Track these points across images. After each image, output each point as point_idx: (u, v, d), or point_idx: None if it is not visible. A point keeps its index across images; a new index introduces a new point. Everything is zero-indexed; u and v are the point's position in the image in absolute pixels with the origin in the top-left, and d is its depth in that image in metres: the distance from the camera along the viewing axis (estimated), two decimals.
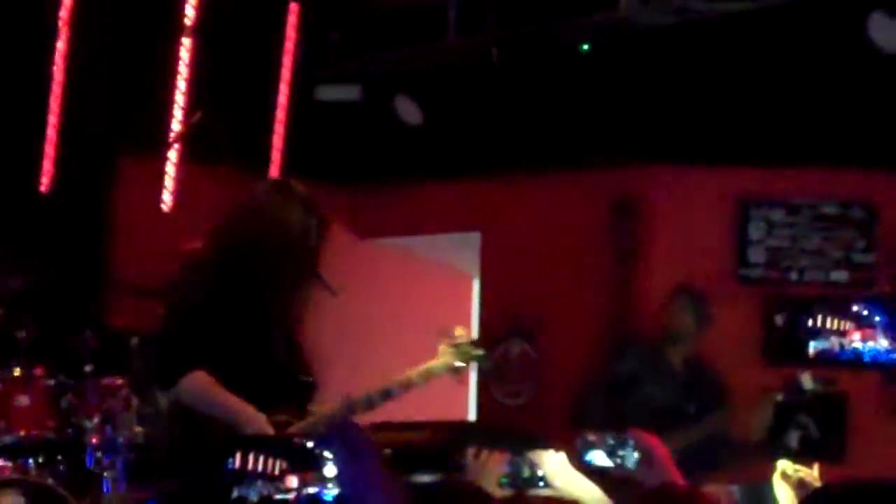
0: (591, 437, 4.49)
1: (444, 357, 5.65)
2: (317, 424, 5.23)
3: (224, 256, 5.23)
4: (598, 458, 4.47)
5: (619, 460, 4.43)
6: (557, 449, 4.62)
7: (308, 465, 4.84)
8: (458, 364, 5.67)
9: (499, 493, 4.57)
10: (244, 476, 4.83)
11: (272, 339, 5.23)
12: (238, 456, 4.86)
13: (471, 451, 4.61)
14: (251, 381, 5.11)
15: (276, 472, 4.85)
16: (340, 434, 4.48)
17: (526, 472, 4.60)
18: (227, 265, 5.19)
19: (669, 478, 4.33)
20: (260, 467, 4.86)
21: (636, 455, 4.41)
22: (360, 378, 5.42)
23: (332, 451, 4.70)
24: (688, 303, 7.83)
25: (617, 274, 9.81)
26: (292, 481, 4.83)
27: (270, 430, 5.06)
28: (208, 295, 5.14)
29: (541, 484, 4.58)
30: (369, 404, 5.39)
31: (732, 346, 9.32)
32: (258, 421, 5.06)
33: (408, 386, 5.51)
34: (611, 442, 4.46)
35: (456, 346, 5.68)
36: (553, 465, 4.59)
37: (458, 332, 5.72)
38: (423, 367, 5.78)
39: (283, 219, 5.22)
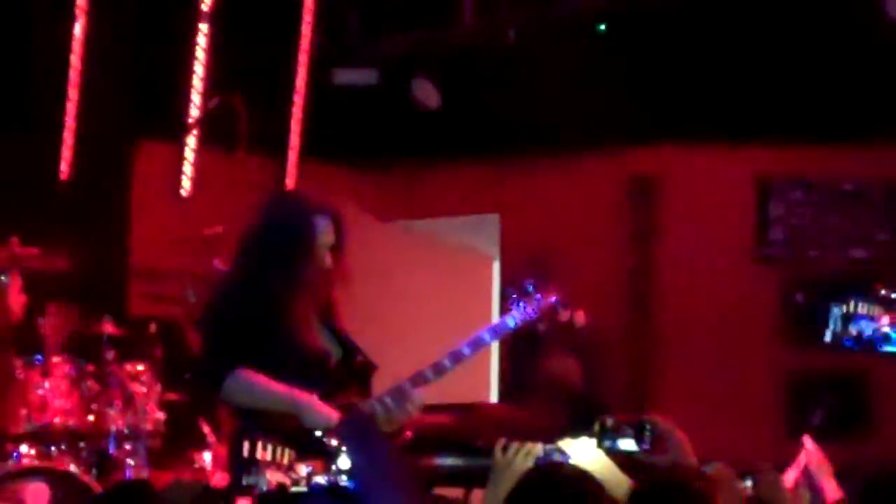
0: (610, 422, 4.47)
1: None
2: (384, 398, 5.18)
3: (243, 263, 5.30)
4: (617, 442, 4.45)
5: (636, 444, 4.41)
6: (587, 436, 4.57)
7: (320, 455, 4.83)
8: None
9: None
10: (254, 464, 4.83)
11: (308, 332, 5.20)
12: (247, 444, 4.86)
13: (499, 444, 4.56)
14: (302, 374, 5.08)
15: (286, 461, 4.85)
16: (352, 425, 4.47)
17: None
18: (248, 270, 5.25)
19: (682, 459, 4.32)
20: (269, 456, 4.86)
21: (652, 438, 4.40)
22: (380, 359, 5.38)
23: (344, 442, 4.69)
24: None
25: (636, 253, 9.81)
26: (302, 470, 4.83)
27: (326, 408, 5.01)
28: (236, 298, 5.19)
29: None
30: (438, 372, 5.31)
31: (751, 324, 9.31)
32: (310, 400, 5.01)
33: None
34: (628, 426, 4.44)
35: None
36: (585, 454, 4.55)
37: None
38: None
39: (288, 220, 5.26)
